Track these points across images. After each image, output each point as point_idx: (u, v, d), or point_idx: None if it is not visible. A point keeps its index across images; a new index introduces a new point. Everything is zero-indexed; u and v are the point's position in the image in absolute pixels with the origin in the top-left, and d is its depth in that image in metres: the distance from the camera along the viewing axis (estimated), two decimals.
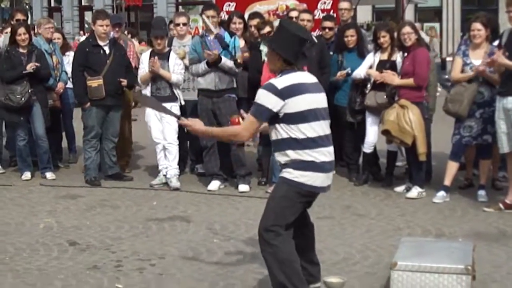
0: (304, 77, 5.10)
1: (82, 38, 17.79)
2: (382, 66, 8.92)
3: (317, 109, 5.04)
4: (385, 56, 9.03)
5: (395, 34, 8.93)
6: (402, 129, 8.40)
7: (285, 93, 4.93)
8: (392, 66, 8.87)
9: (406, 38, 8.58)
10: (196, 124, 5.39)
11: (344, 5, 10.45)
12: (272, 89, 4.95)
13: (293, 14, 9.86)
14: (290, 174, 5.04)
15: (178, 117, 5.58)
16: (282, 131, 5.01)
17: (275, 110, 4.94)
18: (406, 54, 8.71)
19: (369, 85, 9.10)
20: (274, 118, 5.00)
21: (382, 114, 8.70)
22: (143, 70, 9.32)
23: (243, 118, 5.40)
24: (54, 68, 10.18)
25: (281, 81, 4.98)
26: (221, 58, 8.89)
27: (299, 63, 5.09)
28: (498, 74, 7.97)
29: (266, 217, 5.09)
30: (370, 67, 9.09)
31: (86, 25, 37.51)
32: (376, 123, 9.15)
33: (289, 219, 5.08)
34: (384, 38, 8.98)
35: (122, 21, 11.38)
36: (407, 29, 8.62)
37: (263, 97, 4.97)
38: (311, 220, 5.48)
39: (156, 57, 9.16)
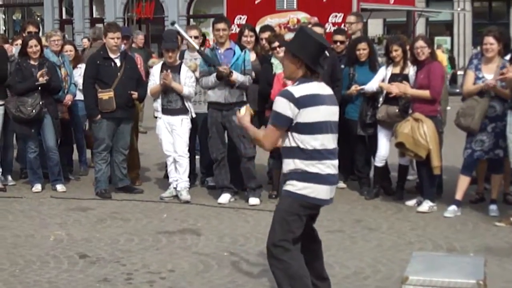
0: (321, 88, 5.07)
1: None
2: (394, 79, 8.91)
3: (328, 122, 5.03)
4: (397, 70, 9.02)
5: (407, 48, 8.92)
6: (417, 142, 8.38)
7: (301, 102, 4.90)
8: (404, 79, 8.86)
9: (419, 52, 8.57)
10: (244, 117, 5.26)
11: (350, 18, 10.43)
12: (289, 96, 4.92)
13: None
14: (294, 186, 5.03)
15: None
16: (291, 139, 5.00)
17: (292, 117, 4.92)
18: (418, 67, 8.68)
19: (381, 99, 9.09)
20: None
21: (395, 127, 8.68)
22: (154, 82, 9.32)
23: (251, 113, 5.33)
24: (63, 81, 10.18)
25: (298, 89, 4.95)
26: (232, 73, 8.88)
27: (318, 70, 5.04)
28: (510, 89, 7.95)
29: (273, 232, 5.07)
30: (383, 80, 9.08)
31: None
32: (388, 136, 9.14)
33: (296, 233, 5.06)
34: (397, 52, 8.97)
35: (131, 34, 11.37)
36: (420, 43, 8.61)
37: (281, 105, 4.94)
38: (321, 233, 5.46)
39: (169, 70, 9.16)
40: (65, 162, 10.45)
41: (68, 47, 10.91)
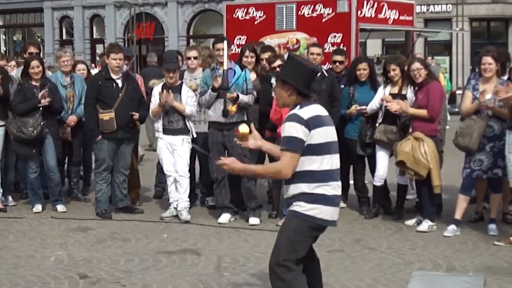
0: (321, 109, 5.11)
1: (95, 71, 17.93)
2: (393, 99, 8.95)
3: (332, 142, 5.07)
4: (395, 90, 9.08)
5: (405, 68, 8.98)
6: (418, 160, 8.41)
7: (311, 124, 4.94)
8: (402, 99, 8.90)
9: (416, 74, 8.63)
10: (233, 163, 5.25)
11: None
12: (299, 119, 4.94)
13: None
14: (301, 207, 5.03)
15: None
16: (299, 163, 5.00)
17: (305, 139, 4.94)
18: (417, 88, 8.73)
19: (379, 118, 9.13)
20: None
21: (395, 146, 8.72)
22: (154, 103, 9.36)
23: (250, 130, 5.30)
24: (67, 101, 10.21)
25: (305, 112, 4.97)
26: (238, 96, 8.93)
27: (311, 94, 5.08)
28: (508, 109, 7.99)
29: (278, 251, 5.07)
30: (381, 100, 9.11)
31: (97, 58, 37.83)
32: (386, 156, 9.18)
33: (300, 254, 5.07)
34: (395, 72, 9.03)
35: (132, 54, 11.40)
36: (416, 65, 8.67)
37: (293, 129, 4.94)
38: (322, 253, 5.47)
39: (168, 91, 9.18)
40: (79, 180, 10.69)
41: (81, 66, 10.93)
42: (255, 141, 5.38)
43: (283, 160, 5.02)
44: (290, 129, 4.95)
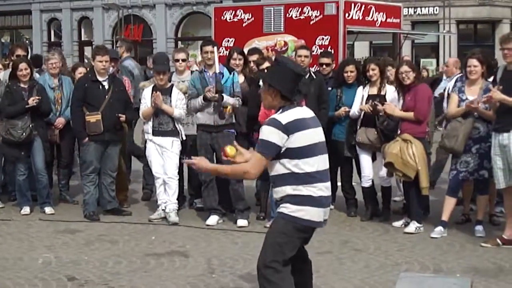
0: (304, 112, 5.14)
1: None
2: (371, 100, 8.98)
3: (317, 144, 5.09)
4: (374, 91, 9.11)
5: (386, 69, 9.03)
6: (406, 162, 8.45)
7: (289, 128, 4.96)
8: (381, 100, 8.94)
9: (404, 77, 8.67)
10: (202, 162, 5.36)
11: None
12: (277, 124, 4.97)
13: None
14: (287, 209, 5.06)
15: (181, 158, 5.49)
16: (281, 167, 5.03)
17: (280, 145, 4.96)
18: (405, 91, 8.76)
19: (359, 121, 9.16)
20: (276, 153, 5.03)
21: (383, 147, 8.75)
22: (145, 105, 9.36)
23: (236, 150, 5.38)
24: (55, 103, 10.19)
25: (284, 116, 5.00)
26: (223, 97, 8.94)
27: (296, 98, 5.12)
28: (493, 110, 8.03)
29: (265, 253, 5.09)
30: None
31: (85, 60, 37.83)
32: (369, 157, 9.21)
33: (287, 255, 5.09)
34: (374, 71, 9.06)
35: (118, 56, 11.35)
36: (404, 68, 8.71)
37: (268, 133, 4.98)
38: (311, 255, 5.48)
39: (158, 92, 9.20)
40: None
41: (81, 69, 10.86)
42: (206, 165, 5.33)
43: (251, 160, 5.12)
44: (265, 133, 5.01)
